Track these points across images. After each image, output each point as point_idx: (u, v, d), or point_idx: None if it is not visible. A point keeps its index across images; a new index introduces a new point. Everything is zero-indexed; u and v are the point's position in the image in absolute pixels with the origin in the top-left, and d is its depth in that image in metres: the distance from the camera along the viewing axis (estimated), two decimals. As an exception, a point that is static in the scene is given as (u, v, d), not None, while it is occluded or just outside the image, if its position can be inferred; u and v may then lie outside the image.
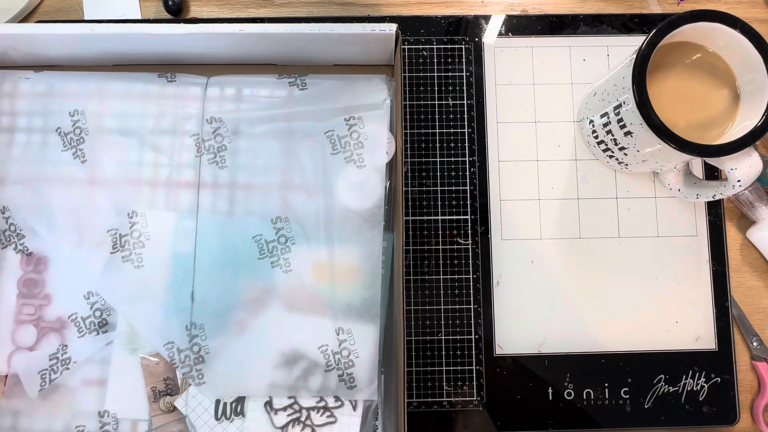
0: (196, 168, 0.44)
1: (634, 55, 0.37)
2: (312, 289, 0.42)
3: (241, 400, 0.41)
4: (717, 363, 0.45)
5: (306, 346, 0.41)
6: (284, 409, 0.41)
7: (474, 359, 0.45)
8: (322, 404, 0.41)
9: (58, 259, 0.43)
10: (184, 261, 0.42)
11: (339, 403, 0.41)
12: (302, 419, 0.41)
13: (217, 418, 0.41)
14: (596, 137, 0.44)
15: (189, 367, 0.41)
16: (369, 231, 0.43)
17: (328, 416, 0.41)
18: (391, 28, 0.41)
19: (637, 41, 0.39)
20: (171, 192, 0.44)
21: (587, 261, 0.46)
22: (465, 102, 0.47)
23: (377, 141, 0.44)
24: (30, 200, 0.43)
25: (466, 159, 0.47)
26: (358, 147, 0.44)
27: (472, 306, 0.45)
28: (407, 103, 0.47)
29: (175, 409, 0.41)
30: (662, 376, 0.44)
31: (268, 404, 0.41)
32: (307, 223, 0.43)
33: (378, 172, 0.44)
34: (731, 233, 0.47)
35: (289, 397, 0.41)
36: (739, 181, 0.38)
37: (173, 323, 0.42)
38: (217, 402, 0.41)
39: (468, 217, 0.46)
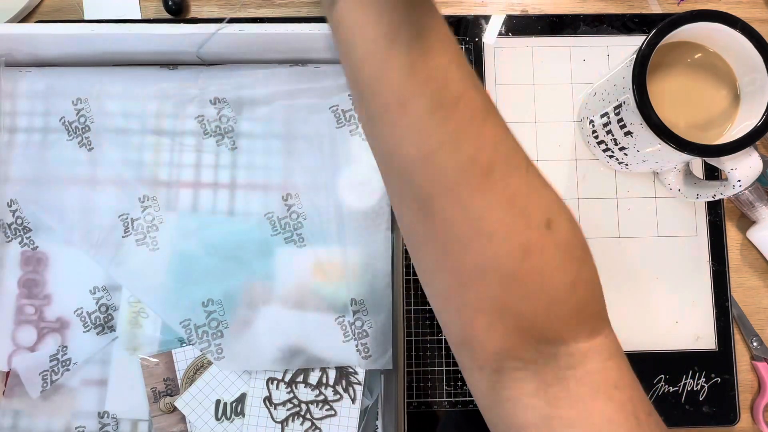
0: (202, 151, 0.44)
1: (635, 55, 0.37)
2: (326, 262, 0.42)
3: (241, 400, 0.41)
4: (717, 363, 0.45)
5: (323, 319, 0.42)
6: (283, 404, 0.41)
7: (474, 359, 0.45)
8: (321, 398, 0.41)
9: (62, 255, 0.43)
10: (197, 240, 0.43)
11: (338, 396, 0.41)
12: (302, 413, 0.41)
13: (217, 419, 0.41)
14: (596, 137, 0.44)
15: (207, 342, 0.41)
16: (374, 224, 0.43)
17: (327, 409, 0.41)
18: (391, 28, 0.41)
19: (637, 41, 0.38)
20: (180, 174, 0.44)
21: (587, 261, 0.46)
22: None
23: None
24: (38, 191, 0.43)
25: (466, 159, 0.47)
26: None
27: (472, 306, 0.45)
28: (407, 103, 0.47)
29: (175, 409, 0.41)
30: (662, 376, 0.44)
31: (267, 400, 0.41)
32: (317, 199, 0.43)
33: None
34: (731, 233, 0.47)
35: (288, 392, 0.41)
36: (739, 181, 0.38)
37: (189, 301, 0.42)
38: (217, 402, 0.41)
39: (468, 217, 0.46)
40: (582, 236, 0.25)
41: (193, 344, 0.41)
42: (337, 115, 0.44)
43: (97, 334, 0.42)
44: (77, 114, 0.44)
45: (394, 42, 0.22)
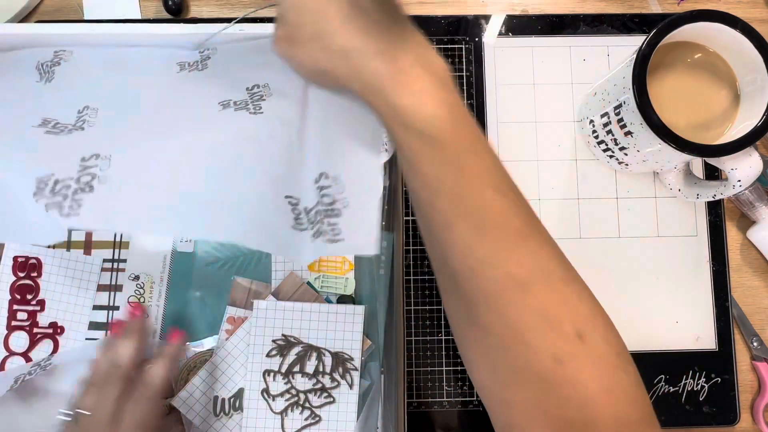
0: (176, 76, 0.39)
1: (635, 55, 0.37)
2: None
3: (239, 395, 0.41)
4: (717, 363, 0.45)
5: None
6: (281, 394, 0.41)
7: (474, 359, 0.45)
8: (318, 386, 0.41)
9: (54, 260, 0.42)
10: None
11: (335, 383, 0.41)
12: (300, 402, 0.41)
13: (216, 414, 0.41)
14: (596, 137, 0.44)
15: (63, 196, 0.31)
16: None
17: (326, 397, 0.41)
18: (391, 27, 0.40)
19: (637, 41, 0.39)
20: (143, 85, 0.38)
21: (587, 261, 0.46)
22: (465, 102, 0.47)
23: None
24: None
25: (466, 159, 0.47)
26: None
27: (472, 306, 0.45)
28: (407, 103, 0.47)
29: (170, 412, 0.41)
30: (662, 376, 0.44)
31: (265, 392, 0.41)
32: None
33: None
34: (731, 233, 0.47)
35: (285, 383, 0.41)
36: (739, 181, 0.38)
37: (61, 151, 0.33)
38: (215, 398, 0.41)
39: (468, 217, 0.46)
40: (619, 345, 0.27)
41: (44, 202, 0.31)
42: None
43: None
44: (54, 56, 0.40)
45: (443, 177, 0.27)
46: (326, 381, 0.41)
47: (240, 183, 0.34)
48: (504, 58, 0.48)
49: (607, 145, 0.44)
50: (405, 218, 0.46)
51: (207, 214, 0.33)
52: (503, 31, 0.48)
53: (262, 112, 0.36)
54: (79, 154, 0.33)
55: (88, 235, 0.44)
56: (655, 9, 0.50)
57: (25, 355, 0.42)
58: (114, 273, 0.44)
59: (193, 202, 0.33)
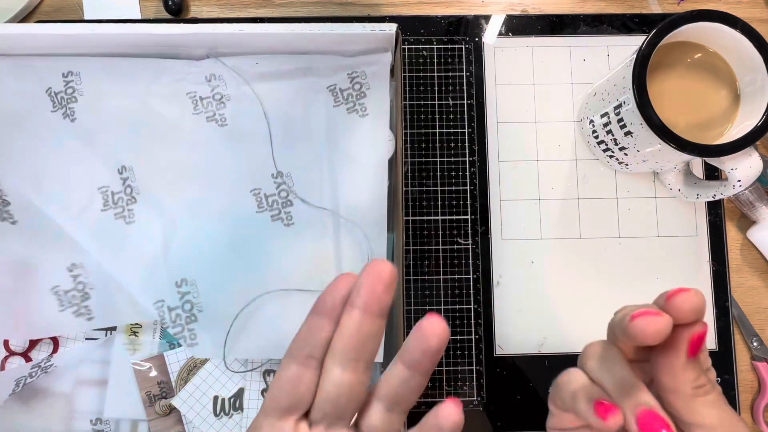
0: (192, 125, 0.43)
1: (635, 55, 0.37)
2: (314, 245, 0.42)
3: (239, 395, 0.41)
4: (717, 363, 0.45)
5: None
6: None
7: (474, 359, 0.45)
8: None
9: (50, 262, 0.41)
10: (175, 216, 0.42)
11: None
12: None
13: (216, 415, 0.41)
14: (596, 137, 0.44)
15: (181, 326, 0.40)
16: (374, 180, 0.42)
17: None
18: (391, 28, 0.41)
19: (637, 41, 0.39)
20: (166, 148, 0.43)
21: (587, 261, 0.46)
22: (465, 102, 0.47)
23: (380, 92, 0.44)
24: (15, 162, 0.42)
25: (466, 159, 0.47)
26: (361, 97, 0.44)
27: (472, 306, 0.45)
28: (407, 103, 0.47)
29: (171, 411, 0.41)
30: (662, 376, 0.44)
31: (265, 392, 0.41)
32: (309, 175, 0.43)
33: (382, 121, 0.43)
34: (731, 233, 0.47)
35: None
36: (739, 181, 0.38)
37: (162, 280, 0.41)
38: (215, 398, 0.41)
39: (468, 217, 0.46)
40: None
41: (167, 328, 0.41)
42: (335, 94, 0.44)
43: (81, 315, 0.41)
44: (65, 85, 0.43)
45: None
46: None
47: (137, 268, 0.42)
48: (504, 58, 0.48)
49: (607, 145, 0.44)
50: (405, 218, 0.46)
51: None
52: (503, 31, 0.48)
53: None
54: (173, 279, 0.41)
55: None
56: (655, 9, 0.50)
57: (25, 355, 0.42)
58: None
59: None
